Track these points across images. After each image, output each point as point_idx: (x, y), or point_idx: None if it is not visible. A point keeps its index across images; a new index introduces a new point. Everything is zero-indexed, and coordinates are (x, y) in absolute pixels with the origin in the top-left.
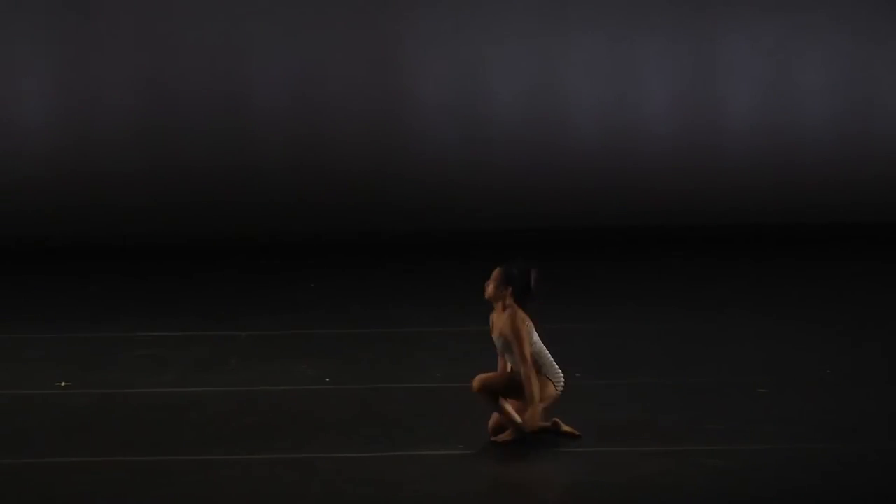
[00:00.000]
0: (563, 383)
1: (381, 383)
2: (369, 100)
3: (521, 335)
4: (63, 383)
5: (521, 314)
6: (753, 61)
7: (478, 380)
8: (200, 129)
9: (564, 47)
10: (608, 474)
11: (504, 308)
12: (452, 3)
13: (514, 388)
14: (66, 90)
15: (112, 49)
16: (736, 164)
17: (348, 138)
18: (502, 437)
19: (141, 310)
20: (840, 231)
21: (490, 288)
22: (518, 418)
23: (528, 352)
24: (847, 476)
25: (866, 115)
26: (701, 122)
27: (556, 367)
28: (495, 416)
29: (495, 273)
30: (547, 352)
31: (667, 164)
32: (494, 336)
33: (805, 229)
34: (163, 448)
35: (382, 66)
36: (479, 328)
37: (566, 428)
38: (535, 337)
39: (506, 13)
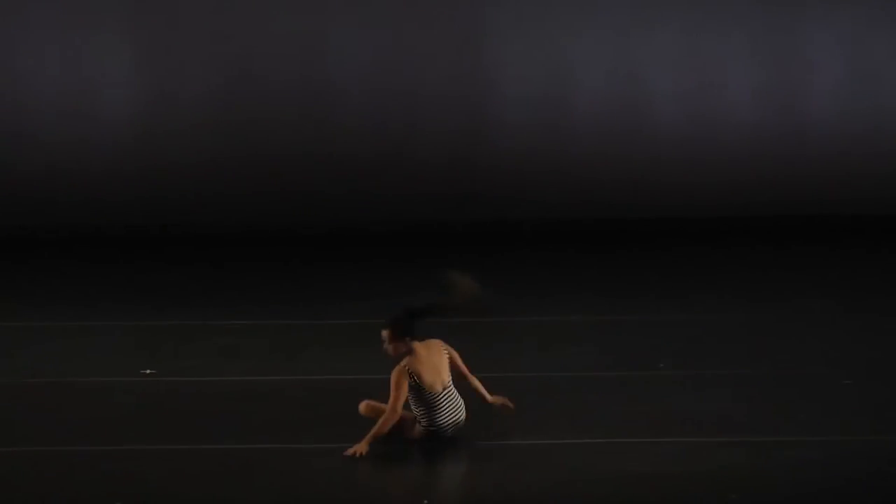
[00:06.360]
0: (444, 427)
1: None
2: (451, 89)
3: (393, 393)
4: (148, 371)
5: (408, 364)
6: (835, 49)
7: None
8: (281, 120)
9: (646, 36)
10: (685, 464)
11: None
12: None
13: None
14: (143, 81)
15: (190, 39)
16: (814, 154)
17: (429, 127)
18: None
19: (218, 297)
20: None
21: (388, 349)
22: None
23: (399, 404)
24: None
25: None
26: (783, 111)
27: (451, 410)
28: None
29: (384, 334)
30: (448, 393)
31: (747, 154)
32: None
33: (884, 220)
34: (248, 437)
35: (465, 56)
36: (558, 318)
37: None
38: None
39: (588, 1)
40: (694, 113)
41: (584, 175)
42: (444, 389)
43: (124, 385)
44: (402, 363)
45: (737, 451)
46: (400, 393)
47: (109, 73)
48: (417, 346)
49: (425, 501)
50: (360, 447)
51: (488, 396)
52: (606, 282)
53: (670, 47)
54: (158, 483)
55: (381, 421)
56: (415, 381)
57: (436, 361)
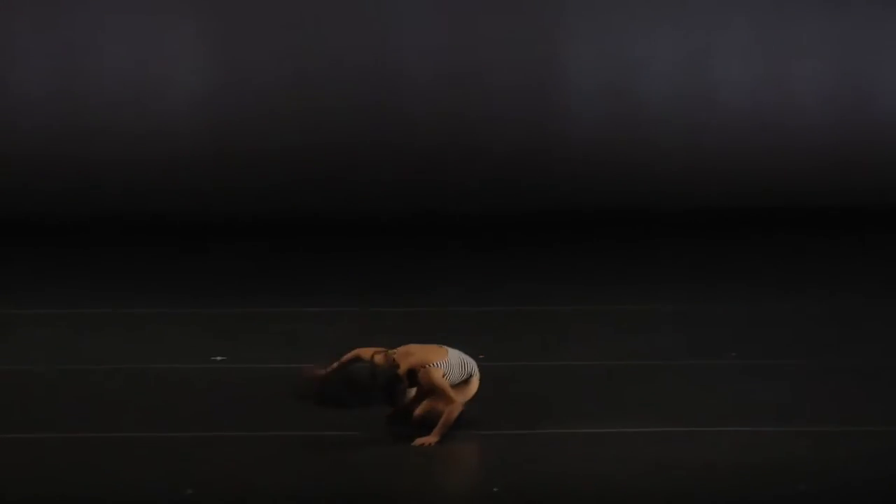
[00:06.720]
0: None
1: (527, 361)
2: (520, 76)
3: (444, 387)
4: (219, 357)
5: (428, 364)
6: None
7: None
8: (349, 106)
9: (715, 25)
10: (755, 453)
11: (423, 379)
12: None
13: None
14: (215, 68)
15: (260, 26)
16: (887, 142)
17: (498, 115)
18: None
19: (289, 285)
20: None
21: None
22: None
23: (452, 393)
24: None
25: None
26: (856, 98)
27: (464, 368)
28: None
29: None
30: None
31: (817, 142)
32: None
33: None
34: (317, 423)
35: (534, 43)
36: (628, 307)
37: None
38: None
39: None
40: (763, 103)
41: (652, 164)
42: (448, 351)
43: (195, 372)
44: (425, 367)
45: (807, 441)
46: (446, 384)
47: (178, 61)
48: (407, 357)
49: (495, 489)
50: (431, 438)
51: None
52: (677, 271)
53: (740, 35)
54: (228, 469)
55: (446, 413)
56: (441, 368)
57: (420, 347)
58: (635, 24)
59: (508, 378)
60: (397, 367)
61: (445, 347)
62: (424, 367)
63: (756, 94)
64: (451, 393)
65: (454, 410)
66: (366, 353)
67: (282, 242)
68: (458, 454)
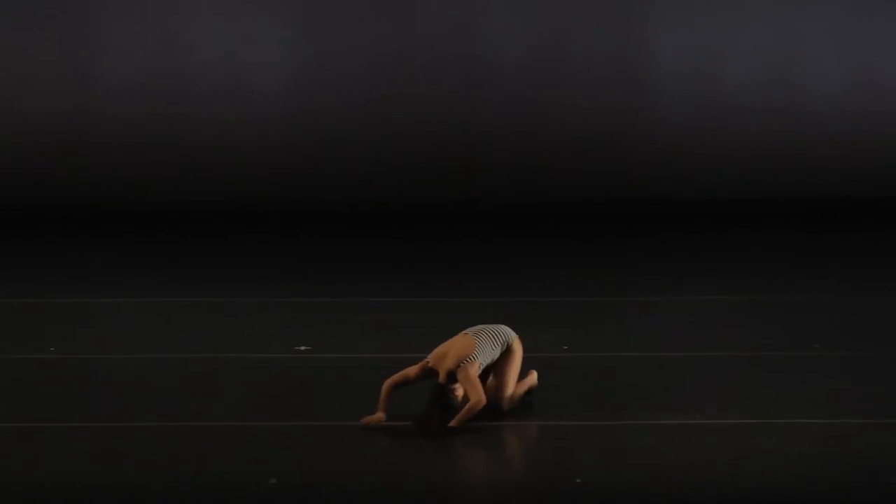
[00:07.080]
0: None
1: (616, 352)
2: (605, 66)
3: (474, 385)
4: (303, 347)
5: (465, 362)
6: None
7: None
8: (434, 96)
9: (804, 13)
10: (839, 444)
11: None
12: None
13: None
14: (301, 57)
15: (347, 16)
16: None
17: (584, 104)
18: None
19: (374, 274)
20: None
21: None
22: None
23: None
24: None
25: None
26: None
27: (497, 342)
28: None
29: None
30: (488, 344)
31: None
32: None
33: None
34: (398, 413)
35: (620, 33)
36: (714, 297)
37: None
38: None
39: None
40: (851, 90)
41: (736, 154)
42: (475, 334)
43: (279, 361)
44: (460, 366)
45: (877, 432)
46: (477, 384)
47: (262, 51)
48: (442, 361)
49: (578, 480)
50: (451, 423)
51: None
52: (762, 261)
53: (830, 24)
54: (312, 459)
55: (468, 406)
56: (476, 360)
57: (450, 345)
58: (724, 12)
59: (594, 368)
60: (437, 375)
61: (471, 335)
62: (460, 365)
63: (844, 82)
64: (477, 390)
65: (476, 405)
66: (396, 379)
67: (366, 231)
68: (541, 445)
